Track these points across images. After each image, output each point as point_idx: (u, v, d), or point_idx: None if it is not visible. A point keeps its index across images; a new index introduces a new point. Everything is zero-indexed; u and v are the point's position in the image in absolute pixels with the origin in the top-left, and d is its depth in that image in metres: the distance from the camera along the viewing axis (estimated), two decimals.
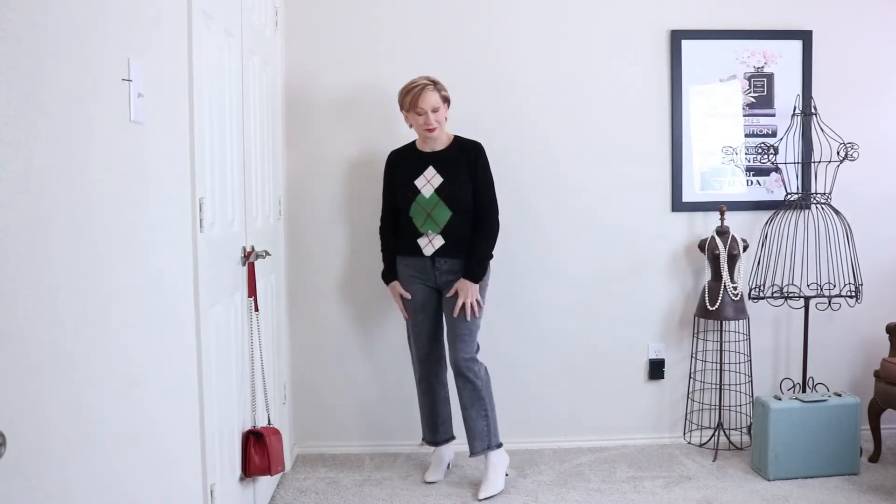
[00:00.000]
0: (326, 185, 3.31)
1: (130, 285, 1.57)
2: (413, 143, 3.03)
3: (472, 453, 2.95)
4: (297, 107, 3.28)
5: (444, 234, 2.89)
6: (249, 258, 2.47)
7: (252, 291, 2.50)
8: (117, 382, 1.50)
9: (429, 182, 2.90)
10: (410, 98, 2.84)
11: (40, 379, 1.20)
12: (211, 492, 2.07)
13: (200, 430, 2.01)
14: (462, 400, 2.93)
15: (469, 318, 2.88)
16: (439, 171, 2.90)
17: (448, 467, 3.11)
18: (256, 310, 2.51)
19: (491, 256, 2.94)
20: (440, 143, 2.95)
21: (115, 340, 1.50)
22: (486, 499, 2.86)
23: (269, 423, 2.59)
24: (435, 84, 2.88)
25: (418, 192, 2.90)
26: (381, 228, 3.10)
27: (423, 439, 3.15)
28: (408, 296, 2.99)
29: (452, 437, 3.12)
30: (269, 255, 2.70)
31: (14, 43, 1.13)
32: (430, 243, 2.90)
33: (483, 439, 2.91)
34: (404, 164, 2.98)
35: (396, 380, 3.37)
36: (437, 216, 2.88)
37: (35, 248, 1.19)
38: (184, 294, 1.91)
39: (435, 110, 2.84)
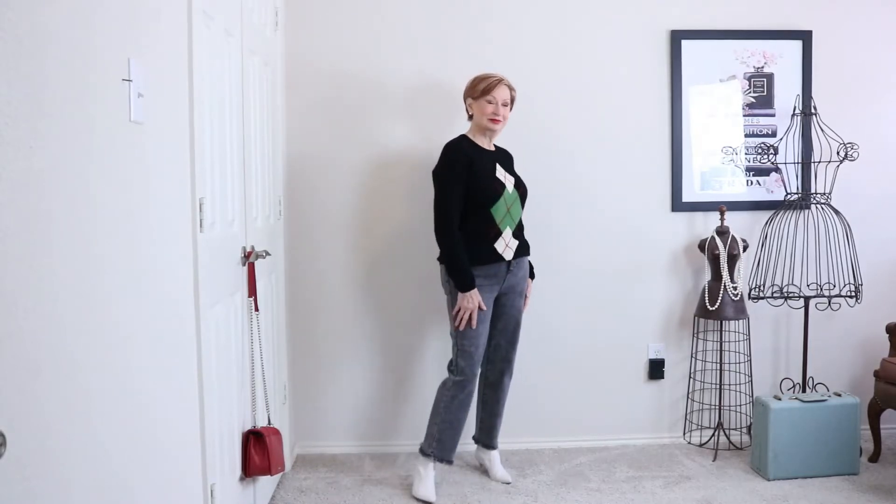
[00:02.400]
0: (326, 185, 3.31)
1: (130, 285, 1.57)
2: (466, 138, 2.94)
3: (495, 447, 3.10)
4: (298, 107, 3.28)
5: (515, 234, 2.91)
6: (249, 258, 2.47)
7: (252, 291, 2.50)
8: (117, 382, 1.50)
9: (505, 178, 2.91)
10: (486, 85, 2.87)
11: (40, 379, 1.20)
12: (211, 492, 2.07)
13: (200, 430, 2.01)
14: (501, 399, 3.07)
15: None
16: (506, 169, 2.95)
17: None
18: (256, 310, 2.51)
19: None
20: (490, 142, 2.98)
21: (116, 340, 1.50)
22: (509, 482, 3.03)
23: (269, 423, 2.59)
24: (509, 83, 2.93)
25: (504, 186, 2.88)
26: (452, 233, 2.79)
27: (442, 460, 2.89)
28: (485, 307, 2.83)
29: None
30: (269, 255, 2.70)
31: (14, 43, 1.13)
32: (508, 246, 2.87)
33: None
34: (479, 158, 2.88)
35: (396, 380, 3.38)
36: (514, 213, 2.90)
37: (35, 248, 1.19)
38: (184, 294, 1.91)
39: (504, 105, 2.90)
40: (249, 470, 2.41)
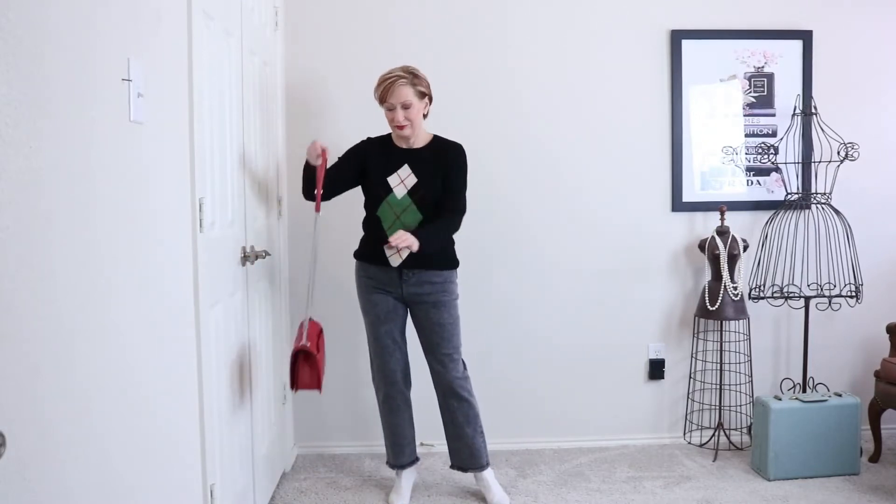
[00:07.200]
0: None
1: (130, 285, 1.57)
2: (390, 136, 2.79)
3: (469, 470, 2.85)
4: (298, 106, 3.28)
5: None
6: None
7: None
8: (117, 382, 1.50)
9: (402, 182, 2.67)
10: (381, 91, 2.64)
11: (40, 379, 1.20)
12: (211, 492, 2.07)
13: (200, 430, 2.01)
14: (456, 419, 2.79)
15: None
16: (415, 170, 2.67)
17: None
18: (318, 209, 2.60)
19: (437, 245, 2.65)
20: (418, 140, 2.73)
21: (116, 340, 1.50)
22: None
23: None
24: (412, 76, 2.65)
25: (390, 190, 2.67)
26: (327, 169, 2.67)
27: (387, 462, 2.95)
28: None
29: (417, 459, 2.96)
30: (269, 255, 2.70)
31: (14, 43, 1.13)
32: (398, 253, 2.62)
33: (482, 456, 2.83)
34: (378, 155, 2.73)
35: None
36: (406, 219, 2.65)
37: (35, 248, 1.19)
38: (184, 294, 1.91)
39: (406, 106, 2.62)
40: (299, 384, 2.50)
